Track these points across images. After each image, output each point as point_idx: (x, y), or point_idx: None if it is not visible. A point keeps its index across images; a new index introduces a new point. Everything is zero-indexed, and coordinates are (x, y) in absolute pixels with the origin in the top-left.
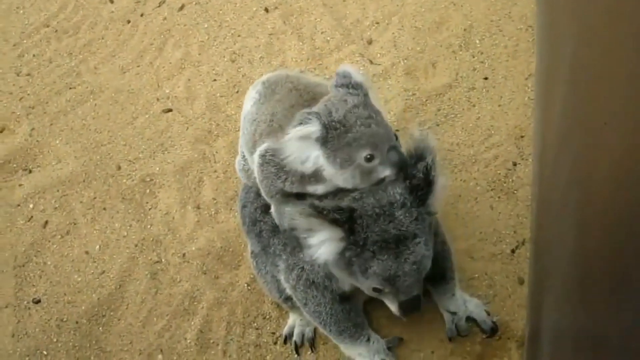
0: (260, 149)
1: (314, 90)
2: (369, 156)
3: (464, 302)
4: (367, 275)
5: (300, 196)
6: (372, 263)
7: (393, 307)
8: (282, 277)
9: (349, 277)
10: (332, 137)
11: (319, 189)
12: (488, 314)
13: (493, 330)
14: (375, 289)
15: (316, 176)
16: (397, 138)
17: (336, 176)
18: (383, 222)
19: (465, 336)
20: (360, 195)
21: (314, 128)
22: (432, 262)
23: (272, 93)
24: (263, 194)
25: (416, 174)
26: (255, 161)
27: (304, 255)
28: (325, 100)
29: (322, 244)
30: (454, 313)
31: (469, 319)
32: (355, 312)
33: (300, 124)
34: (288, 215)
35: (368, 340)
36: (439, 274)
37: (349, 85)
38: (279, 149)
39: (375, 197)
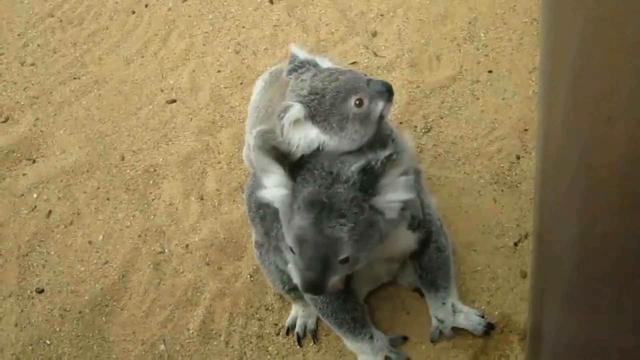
0: (254, 131)
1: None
2: (357, 101)
3: (454, 313)
4: (288, 228)
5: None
6: (294, 216)
7: (296, 279)
8: (289, 265)
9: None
10: (314, 109)
11: None
12: (483, 316)
13: (487, 333)
14: (290, 249)
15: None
16: (365, 75)
17: (341, 142)
18: (319, 185)
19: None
20: (326, 158)
21: (295, 108)
22: (425, 268)
23: (275, 81)
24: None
25: (371, 160)
26: (250, 143)
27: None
28: (286, 93)
29: (273, 188)
30: (441, 320)
31: (456, 328)
32: (352, 305)
33: (282, 113)
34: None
35: (371, 338)
36: (429, 281)
37: (296, 67)
38: (271, 130)
39: (327, 163)
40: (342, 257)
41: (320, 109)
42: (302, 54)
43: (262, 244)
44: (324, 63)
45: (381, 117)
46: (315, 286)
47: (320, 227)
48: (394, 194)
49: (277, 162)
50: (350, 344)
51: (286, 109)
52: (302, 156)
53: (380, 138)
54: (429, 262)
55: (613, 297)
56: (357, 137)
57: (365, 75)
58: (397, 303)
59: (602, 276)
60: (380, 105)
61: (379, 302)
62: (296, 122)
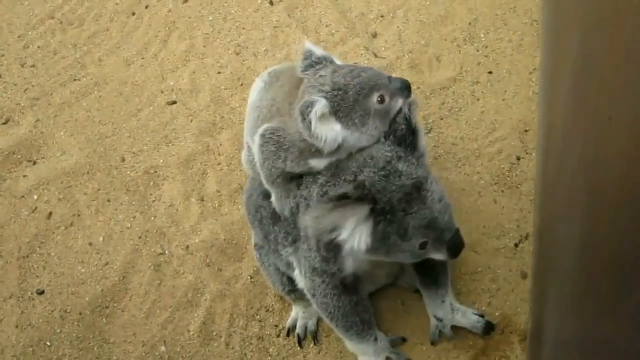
0: (260, 129)
1: None
2: (379, 98)
3: (452, 311)
4: (409, 236)
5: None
6: (408, 220)
7: (441, 254)
8: (296, 271)
9: (392, 253)
10: (337, 104)
11: (322, 162)
12: (482, 316)
13: (486, 331)
14: (421, 246)
15: (318, 151)
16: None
17: (361, 137)
18: (394, 179)
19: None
20: (359, 169)
21: (321, 103)
22: (426, 265)
23: (276, 80)
24: (264, 180)
25: (398, 127)
26: (255, 142)
27: (304, 243)
28: (303, 89)
29: (355, 232)
30: (440, 319)
31: (455, 327)
32: (362, 307)
33: (307, 108)
34: (309, 224)
35: (375, 340)
36: (431, 278)
37: (313, 64)
38: (279, 128)
39: (371, 164)
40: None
41: (343, 104)
42: (318, 51)
43: (261, 246)
44: (337, 61)
45: (399, 112)
46: (462, 240)
47: (430, 200)
48: (422, 132)
49: (358, 205)
50: (353, 345)
51: (311, 104)
52: (362, 181)
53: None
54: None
55: (614, 298)
56: (376, 133)
57: (385, 73)
58: (397, 304)
59: (602, 276)
60: (399, 102)
61: (379, 303)
62: (322, 116)
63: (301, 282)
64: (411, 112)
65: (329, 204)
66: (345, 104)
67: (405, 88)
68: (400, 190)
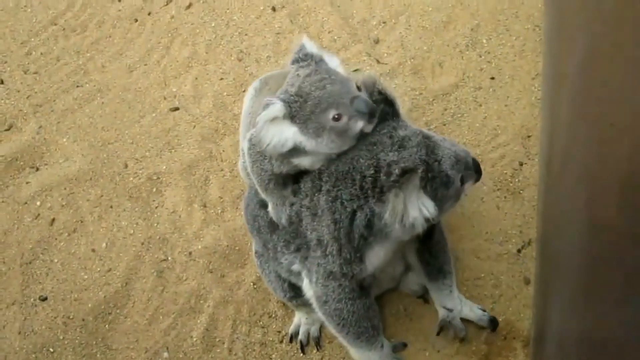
0: (248, 134)
1: None
2: (336, 116)
3: (460, 302)
4: (451, 179)
5: (297, 180)
6: (443, 166)
7: (473, 179)
8: (305, 281)
9: (445, 206)
10: (295, 110)
11: (304, 160)
12: (484, 311)
13: (493, 323)
14: (462, 181)
15: (296, 150)
16: (359, 88)
17: (317, 146)
18: (408, 143)
19: (462, 339)
20: (374, 159)
21: (276, 107)
22: (431, 254)
23: (265, 85)
24: (258, 188)
25: (377, 102)
26: (245, 148)
27: (316, 249)
28: (285, 82)
29: (422, 205)
30: (450, 310)
31: (463, 320)
32: (372, 312)
33: (262, 110)
34: (386, 214)
35: (381, 346)
36: (437, 267)
37: (299, 59)
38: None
39: (379, 149)
40: None
41: (300, 112)
42: (311, 46)
43: (262, 253)
44: (333, 61)
45: (362, 133)
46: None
47: (444, 139)
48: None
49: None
50: (360, 353)
51: (266, 106)
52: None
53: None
54: (436, 244)
55: (617, 303)
56: (334, 146)
57: (359, 88)
58: (399, 309)
59: (605, 282)
60: (359, 124)
61: (381, 309)
62: (273, 120)
63: (310, 290)
64: (382, 86)
65: (393, 189)
66: (303, 112)
67: (366, 112)
68: (420, 148)
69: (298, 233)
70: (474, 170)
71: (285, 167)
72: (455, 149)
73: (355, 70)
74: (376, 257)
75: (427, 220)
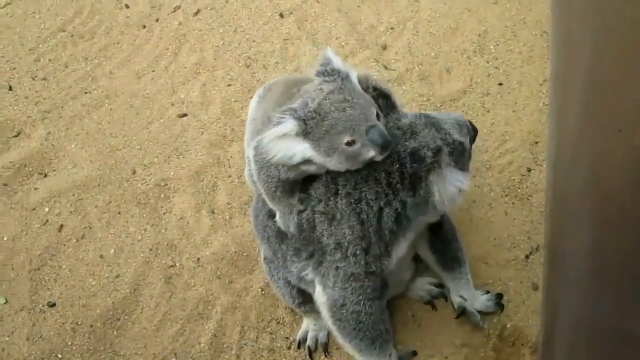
0: (254, 142)
1: (305, 82)
2: (349, 141)
3: (474, 294)
4: (465, 144)
5: (304, 186)
6: (455, 135)
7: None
8: (317, 288)
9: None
10: (311, 127)
11: (312, 167)
12: (487, 292)
13: (499, 305)
14: (471, 141)
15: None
16: (379, 116)
17: (326, 163)
18: (420, 129)
19: (481, 327)
20: (396, 153)
21: (289, 125)
22: (444, 243)
23: (268, 92)
24: (265, 196)
25: (375, 99)
26: (250, 155)
27: (335, 253)
28: (304, 91)
29: (454, 179)
30: (465, 299)
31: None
32: (386, 315)
33: (277, 124)
34: (435, 196)
35: (390, 355)
36: (451, 256)
37: (325, 72)
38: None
39: (392, 134)
40: None
41: (315, 129)
42: (337, 61)
43: (271, 260)
44: (353, 75)
45: (370, 160)
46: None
47: (437, 116)
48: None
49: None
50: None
51: (279, 121)
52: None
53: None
54: (448, 232)
55: (625, 309)
56: (341, 167)
57: (379, 115)
58: (408, 316)
59: (614, 288)
60: (371, 153)
61: (390, 315)
62: (284, 135)
63: (323, 297)
64: (375, 82)
65: (432, 171)
66: (318, 130)
67: (379, 144)
68: (430, 128)
69: (310, 240)
70: (472, 128)
71: (292, 173)
72: (453, 116)
73: None
74: (400, 249)
75: (462, 192)
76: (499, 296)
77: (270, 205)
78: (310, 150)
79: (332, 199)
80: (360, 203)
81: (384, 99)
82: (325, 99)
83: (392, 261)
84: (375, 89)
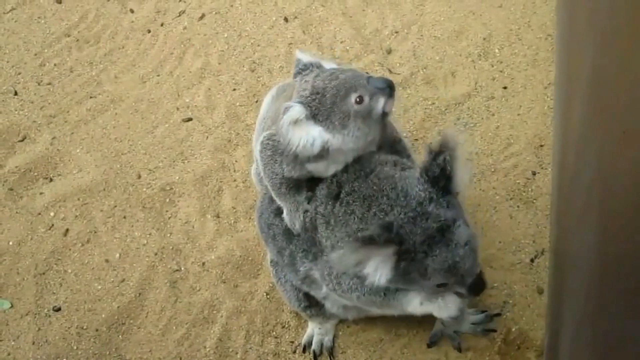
0: (261, 137)
1: None
2: (357, 99)
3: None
4: (428, 275)
5: (310, 184)
6: (428, 262)
7: (461, 292)
8: (323, 289)
9: (410, 285)
10: (316, 108)
11: (319, 166)
12: (491, 319)
13: (487, 332)
14: (440, 285)
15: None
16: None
17: (345, 140)
18: (421, 222)
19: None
20: (389, 206)
21: (295, 109)
22: None
23: (282, 92)
24: (271, 190)
25: (433, 168)
26: (257, 150)
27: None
28: (295, 91)
29: (377, 268)
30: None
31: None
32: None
33: (282, 114)
34: (334, 262)
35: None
36: None
37: (300, 71)
38: (276, 134)
39: (403, 202)
40: (479, 245)
41: (321, 108)
42: (306, 57)
43: (277, 262)
44: (330, 65)
45: (384, 114)
46: (484, 283)
47: (454, 244)
48: (459, 175)
49: (384, 246)
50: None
51: (286, 110)
52: (390, 222)
53: (389, 143)
54: None
55: (631, 313)
56: (361, 134)
57: (367, 73)
58: (413, 318)
59: (619, 291)
60: (381, 101)
61: (396, 321)
62: (296, 122)
63: (331, 289)
64: (451, 159)
65: (355, 243)
66: (324, 107)
67: (386, 87)
68: (424, 233)
69: (313, 241)
70: (466, 288)
71: (296, 172)
72: (460, 261)
73: None
74: None
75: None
76: (495, 315)
77: (277, 201)
78: (325, 132)
79: (330, 202)
80: (350, 238)
81: (442, 177)
82: (315, 81)
83: None
84: (444, 162)
